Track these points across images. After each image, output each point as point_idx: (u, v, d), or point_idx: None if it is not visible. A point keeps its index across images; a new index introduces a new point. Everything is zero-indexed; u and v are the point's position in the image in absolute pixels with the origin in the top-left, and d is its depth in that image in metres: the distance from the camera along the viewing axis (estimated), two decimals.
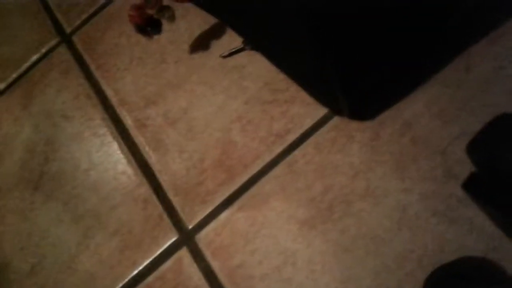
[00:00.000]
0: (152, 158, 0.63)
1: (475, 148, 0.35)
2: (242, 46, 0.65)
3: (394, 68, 0.52)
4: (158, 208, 0.60)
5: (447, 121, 0.51)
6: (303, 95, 0.59)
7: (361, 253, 0.49)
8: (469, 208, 0.47)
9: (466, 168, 0.48)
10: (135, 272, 0.57)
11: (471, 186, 0.34)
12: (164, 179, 0.61)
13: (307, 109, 0.58)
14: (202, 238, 0.56)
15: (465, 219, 0.46)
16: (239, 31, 0.63)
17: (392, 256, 0.48)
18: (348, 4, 0.42)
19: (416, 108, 0.53)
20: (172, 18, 0.67)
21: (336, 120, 0.56)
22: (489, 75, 0.51)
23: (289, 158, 0.56)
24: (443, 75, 0.53)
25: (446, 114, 0.51)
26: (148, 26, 0.69)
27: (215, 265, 0.54)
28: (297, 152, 0.56)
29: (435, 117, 0.52)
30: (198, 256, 0.55)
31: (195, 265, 0.54)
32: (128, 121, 0.67)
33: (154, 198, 0.60)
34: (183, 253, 0.56)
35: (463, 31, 0.54)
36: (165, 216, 0.59)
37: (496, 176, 0.29)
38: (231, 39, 0.67)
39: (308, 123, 0.57)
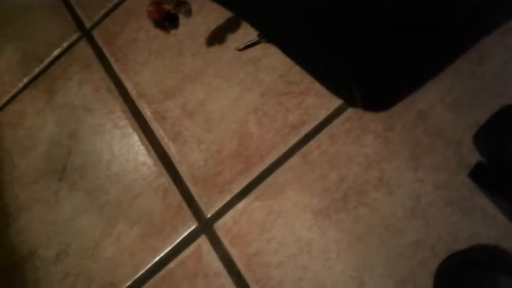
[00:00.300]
0: (171, 149, 0.65)
1: (481, 138, 0.35)
2: (257, 39, 0.66)
3: (407, 61, 0.53)
4: (178, 197, 0.62)
5: (461, 112, 0.52)
6: (318, 87, 0.60)
7: (375, 241, 0.50)
8: (482, 197, 0.47)
9: (480, 158, 0.49)
10: (156, 259, 0.59)
11: (478, 175, 0.34)
12: (183, 170, 0.63)
13: (321, 101, 0.59)
14: (220, 226, 0.58)
15: (478, 208, 0.47)
16: (254, 25, 0.65)
17: (406, 245, 0.49)
18: (359, 3, 0.43)
19: (430, 99, 0.54)
20: (188, 13, 0.69)
21: (350, 111, 0.57)
22: (502, 66, 0.52)
23: (304, 149, 0.57)
24: (456, 67, 0.54)
25: (460, 105, 0.52)
26: (166, 21, 0.71)
27: (233, 252, 0.55)
28: (312, 143, 0.57)
29: (449, 108, 0.52)
30: (216, 244, 0.57)
31: (213, 253, 0.56)
32: (147, 113, 0.69)
33: (173, 187, 0.62)
34: (202, 241, 0.58)
35: (474, 23, 0.54)
36: (184, 205, 0.61)
37: (503, 166, 0.30)
38: (246, 33, 0.68)
39: (322, 114, 0.58)
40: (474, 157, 0.49)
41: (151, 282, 0.58)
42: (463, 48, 0.53)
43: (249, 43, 0.66)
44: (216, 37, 0.70)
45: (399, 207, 0.50)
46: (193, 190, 0.61)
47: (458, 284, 0.43)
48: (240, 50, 0.67)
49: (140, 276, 0.59)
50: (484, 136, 0.33)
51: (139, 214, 0.63)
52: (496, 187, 0.31)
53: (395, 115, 0.54)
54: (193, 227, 0.59)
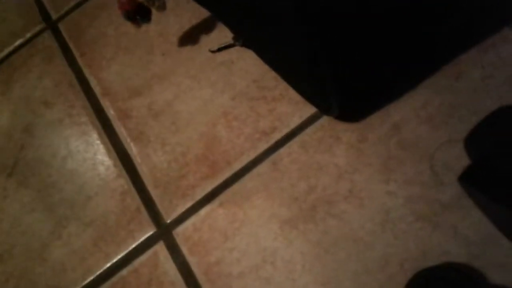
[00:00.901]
0: (133, 149, 0.61)
1: (474, 140, 0.34)
2: (232, 42, 0.64)
3: (385, 69, 0.52)
4: (136, 200, 0.58)
5: (435, 126, 0.51)
6: (292, 94, 0.58)
7: (343, 255, 0.48)
8: (454, 214, 0.46)
9: (452, 174, 0.48)
10: (108, 264, 0.54)
11: (469, 179, 0.33)
12: (144, 171, 0.59)
13: (295, 108, 0.57)
14: (180, 233, 0.54)
15: (449, 225, 0.46)
16: (230, 26, 0.63)
17: (374, 259, 0.47)
18: (342, 6, 0.42)
19: (405, 112, 0.52)
20: (162, 8, 0.66)
21: (323, 120, 0.55)
22: (479, 83, 0.51)
23: (274, 156, 0.55)
24: (433, 81, 0.53)
25: (435, 120, 0.51)
26: (137, 14, 0.68)
27: (191, 261, 0.52)
28: (282, 151, 0.55)
29: (424, 122, 0.51)
30: (175, 251, 0.53)
31: (171, 260, 0.53)
32: (110, 111, 0.65)
33: (132, 190, 0.58)
34: (160, 248, 0.54)
35: (453, 38, 0.54)
36: (143, 209, 0.57)
37: (497, 168, 0.28)
38: (221, 35, 0.66)
39: (295, 121, 0.56)
40: (447, 172, 0.48)
41: None
42: (440, 62, 0.53)
43: (223, 45, 0.64)
44: (189, 37, 0.67)
45: (368, 220, 0.48)
46: (154, 193, 0.58)
47: None
48: (214, 52, 0.65)
49: (89, 283, 0.54)
50: (479, 138, 0.31)
51: (93, 216, 0.58)
52: (490, 189, 0.29)
53: (369, 127, 0.53)
54: (150, 233, 0.55)
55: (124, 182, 0.59)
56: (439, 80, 0.53)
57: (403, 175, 0.50)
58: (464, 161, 0.48)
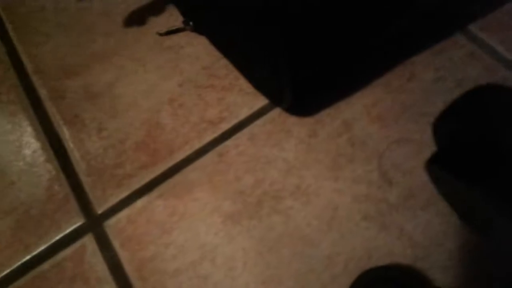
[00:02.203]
0: (65, 133, 0.56)
1: (443, 123, 0.33)
2: (182, 26, 0.60)
3: (338, 62, 0.51)
4: (65, 188, 0.52)
5: (386, 125, 0.50)
6: (243, 84, 0.55)
7: (287, 252, 0.45)
8: (401, 215, 0.45)
9: (401, 174, 0.47)
10: (27, 257, 0.49)
11: (438, 162, 0.31)
12: (75, 157, 0.54)
13: (245, 99, 0.54)
14: (112, 225, 0.49)
15: (395, 226, 0.45)
16: (182, 9, 0.59)
17: (319, 258, 0.45)
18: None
19: (356, 109, 0.51)
20: None
21: (274, 113, 0.53)
22: (430, 85, 0.51)
23: (220, 148, 0.52)
24: (385, 80, 0.52)
25: (385, 119, 0.50)
26: None
27: (123, 256, 0.47)
28: (229, 142, 0.52)
29: (374, 121, 0.50)
30: (104, 244, 0.48)
31: (99, 255, 0.48)
32: (43, 90, 0.59)
33: (61, 176, 0.53)
34: (88, 240, 0.49)
35: (406, 40, 0.54)
36: (71, 197, 0.52)
37: (469, 150, 0.27)
38: (171, 18, 0.62)
39: (244, 113, 0.54)
40: (396, 172, 0.47)
41: (18, 283, 0.47)
42: (393, 62, 0.52)
43: (172, 28, 0.61)
44: (136, 18, 0.63)
45: (315, 218, 0.46)
46: (85, 181, 0.53)
47: None
48: (162, 35, 0.61)
49: (3, 277, 0.48)
50: (448, 121, 0.30)
51: (14, 203, 0.52)
52: (462, 171, 0.28)
53: (320, 122, 0.51)
54: (78, 224, 0.50)
55: (52, 168, 0.54)
56: (391, 80, 0.52)
57: (352, 173, 0.48)
58: (413, 162, 0.47)
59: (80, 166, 0.53)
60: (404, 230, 0.45)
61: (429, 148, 0.48)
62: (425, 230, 0.44)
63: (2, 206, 0.52)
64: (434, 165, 0.30)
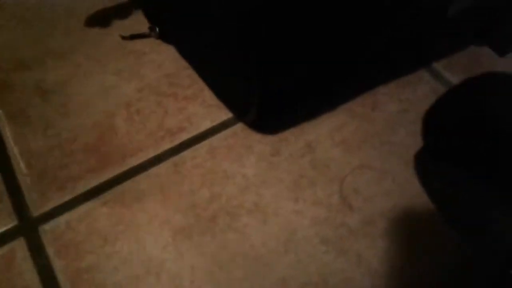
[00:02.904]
0: (6, 127, 0.51)
1: (434, 116, 0.32)
2: (148, 32, 0.58)
3: (306, 84, 0.50)
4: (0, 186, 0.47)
5: (348, 151, 0.49)
6: (206, 96, 0.53)
7: (239, 273, 0.42)
8: (360, 241, 0.44)
9: (361, 199, 0.46)
10: None
11: (431, 153, 0.30)
12: (15, 154, 0.49)
13: (207, 111, 0.52)
14: (49, 230, 0.45)
15: (353, 252, 0.43)
16: (149, 15, 0.57)
17: (273, 281, 0.42)
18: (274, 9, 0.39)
19: (320, 132, 0.51)
20: None
21: (237, 127, 0.51)
22: (393, 116, 0.51)
23: (177, 158, 0.49)
24: (350, 107, 0.52)
25: (348, 144, 0.50)
26: None
27: (57, 264, 0.43)
28: (187, 153, 0.50)
29: (337, 145, 0.50)
30: (37, 251, 0.43)
31: (30, 261, 0.43)
32: None
33: None
34: (18, 245, 0.44)
35: (373, 70, 0.54)
36: (5, 197, 0.47)
37: (459, 141, 0.26)
38: (136, 24, 0.60)
39: (205, 125, 0.51)
40: (356, 197, 0.46)
41: None
42: (359, 90, 0.52)
43: (137, 34, 0.58)
44: (100, 18, 0.60)
45: (272, 238, 0.44)
46: (22, 180, 0.48)
47: None
48: (125, 38, 0.58)
49: None
50: (438, 114, 0.29)
51: None
52: (459, 159, 0.26)
53: (283, 141, 0.50)
54: (9, 226, 0.45)
55: None
56: (356, 107, 0.52)
57: (312, 195, 0.47)
58: (374, 189, 0.47)
59: (18, 164, 0.49)
60: (362, 257, 0.43)
61: (390, 175, 0.47)
62: (384, 258, 0.43)
63: None
64: (425, 156, 0.29)
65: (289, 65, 0.45)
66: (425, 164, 0.30)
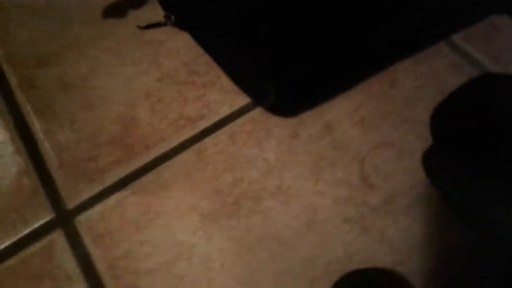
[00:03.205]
0: (35, 123, 0.53)
1: (446, 110, 0.32)
2: (163, 20, 0.59)
3: (323, 65, 0.50)
4: (34, 181, 0.50)
5: (368, 130, 0.50)
6: (224, 82, 0.54)
7: (265, 254, 0.44)
8: (381, 219, 0.45)
9: (382, 178, 0.47)
10: None
11: (438, 153, 0.31)
12: (46, 149, 0.51)
13: (226, 97, 0.53)
14: (84, 221, 0.47)
15: (376, 229, 0.45)
16: (165, 2, 0.58)
17: (298, 260, 0.44)
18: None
19: (339, 113, 0.51)
20: None
21: (255, 112, 0.52)
22: (411, 92, 0.52)
23: (199, 145, 0.51)
24: (368, 86, 0.53)
25: (367, 123, 0.50)
26: None
27: (94, 253, 0.45)
28: (208, 140, 0.51)
29: (356, 125, 0.50)
30: (75, 241, 0.46)
31: (69, 252, 0.45)
32: (13, 78, 0.57)
33: (30, 169, 0.50)
34: (57, 236, 0.46)
35: (390, 48, 0.54)
36: (41, 191, 0.49)
37: (467, 142, 0.27)
38: (152, 13, 0.61)
39: (225, 111, 0.52)
40: (377, 175, 0.47)
41: None
42: (377, 69, 0.52)
43: (153, 22, 0.59)
44: (115, 9, 0.61)
45: (295, 220, 0.46)
46: (56, 174, 0.50)
47: None
48: (142, 28, 0.59)
49: None
50: (445, 114, 0.29)
51: None
52: (465, 161, 0.27)
53: (302, 124, 0.51)
54: (47, 218, 0.48)
55: (21, 160, 0.51)
56: (374, 86, 0.52)
57: (333, 175, 0.48)
58: (394, 166, 0.47)
59: (50, 159, 0.51)
60: (384, 234, 0.44)
61: (410, 153, 0.48)
62: (405, 235, 0.44)
63: None
64: (432, 156, 0.29)
65: (305, 52, 0.45)
66: (434, 164, 0.30)
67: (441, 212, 0.44)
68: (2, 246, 0.46)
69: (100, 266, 0.44)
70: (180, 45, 0.58)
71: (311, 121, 0.51)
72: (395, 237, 0.44)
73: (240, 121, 0.52)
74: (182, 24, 0.57)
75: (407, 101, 0.51)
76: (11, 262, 0.45)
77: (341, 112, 0.51)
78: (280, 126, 0.51)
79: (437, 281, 0.41)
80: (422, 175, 0.46)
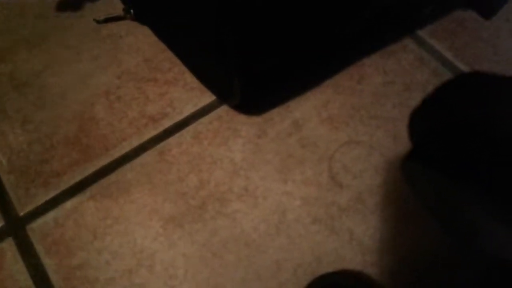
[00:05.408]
0: None
1: (426, 111, 0.31)
2: (122, 14, 0.56)
3: (290, 59, 0.49)
4: None
5: (336, 127, 0.49)
6: (188, 79, 0.52)
7: (232, 258, 0.42)
8: (350, 219, 0.44)
9: (350, 176, 0.46)
10: None
11: (418, 158, 0.29)
12: None
13: (190, 95, 0.51)
14: (37, 229, 0.44)
15: (345, 230, 0.43)
16: None
17: (266, 264, 0.42)
18: None
19: (306, 110, 0.50)
20: None
21: (221, 110, 0.50)
22: (379, 88, 0.51)
23: (162, 145, 0.48)
24: (336, 82, 0.51)
25: (335, 120, 0.49)
26: None
27: (48, 263, 0.42)
28: (172, 140, 0.49)
29: (324, 122, 0.49)
30: (27, 250, 0.43)
31: (21, 262, 0.42)
32: None
33: None
34: (8, 246, 0.43)
35: (357, 42, 0.53)
36: None
37: (447, 144, 0.25)
38: (109, 7, 0.58)
39: (188, 109, 0.50)
40: (345, 174, 0.46)
41: None
42: (344, 63, 0.51)
43: (111, 16, 0.56)
44: (71, 3, 0.57)
45: (263, 221, 0.44)
46: (6, 179, 0.47)
47: None
48: (99, 22, 0.56)
49: None
50: (425, 115, 0.28)
51: None
52: (444, 165, 0.26)
53: (269, 122, 0.49)
54: None
55: None
56: (342, 81, 0.51)
57: (302, 175, 0.46)
58: (363, 164, 0.46)
59: (0, 162, 0.47)
60: (354, 234, 0.43)
61: (379, 151, 0.47)
62: (375, 234, 0.43)
63: None
64: (411, 162, 0.28)
65: (268, 47, 0.43)
66: (413, 171, 0.29)
67: (411, 210, 0.43)
68: None
69: (55, 276, 0.41)
70: (140, 40, 0.55)
71: (279, 118, 0.49)
72: (365, 237, 0.43)
73: (205, 119, 0.50)
74: (141, 18, 0.55)
75: (375, 97, 0.50)
76: None
77: (309, 109, 0.50)
78: (247, 124, 0.49)
79: (405, 281, 0.40)
80: (391, 173, 0.45)
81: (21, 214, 0.45)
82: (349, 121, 0.49)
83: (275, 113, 0.50)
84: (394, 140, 0.47)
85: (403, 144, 0.46)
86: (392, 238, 0.43)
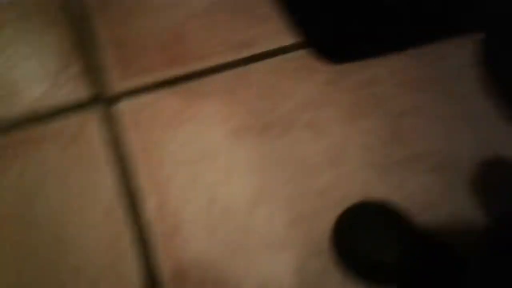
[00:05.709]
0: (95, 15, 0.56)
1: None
2: None
3: (379, 20, 0.52)
4: (82, 59, 0.52)
5: (407, 91, 0.51)
6: (279, 17, 0.56)
7: (284, 176, 0.46)
8: (403, 172, 0.46)
9: (414, 138, 0.48)
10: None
11: None
12: (103, 40, 0.54)
13: (278, 31, 0.55)
14: (124, 107, 0.50)
15: (396, 180, 0.46)
16: None
17: (314, 189, 0.45)
18: None
19: (384, 70, 0.53)
20: None
21: (304, 52, 0.54)
22: (460, 68, 0.52)
23: (246, 68, 0.53)
24: (419, 53, 0.54)
25: (408, 86, 0.52)
26: None
27: (129, 137, 0.47)
28: (256, 65, 0.53)
29: (398, 85, 0.52)
30: (110, 122, 0.48)
31: (102, 131, 0.48)
32: None
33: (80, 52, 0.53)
34: (93, 114, 0.49)
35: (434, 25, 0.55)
36: (90, 70, 0.52)
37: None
38: None
39: (275, 43, 0.54)
40: (408, 134, 0.48)
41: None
42: (431, 38, 0.53)
43: None
44: None
45: (320, 153, 0.47)
46: (106, 59, 0.52)
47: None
48: None
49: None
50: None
51: None
52: None
53: (346, 72, 0.52)
54: (87, 95, 0.50)
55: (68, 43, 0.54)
56: (425, 55, 0.53)
57: (365, 124, 0.49)
58: (424, 130, 0.48)
59: (105, 47, 0.53)
60: (403, 185, 0.45)
61: (442, 122, 0.49)
62: (424, 191, 0.45)
63: None
64: None
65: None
66: None
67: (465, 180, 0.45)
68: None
69: (134, 148, 0.47)
70: None
71: (355, 72, 0.52)
72: (414, 191, 0.45)
73: (288, 56, 0.54)
74: None
75: (452, 76, 0.52)
76: (53, 126, 0.47)
77: (387, 70, 0.52)
78: (325, 70, 0.52)
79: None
80: (447, 143, 0.47)
81: (113, 91, 0.50)
82: (421, 90, 0.51)
83: (353, 66, 0.53)
84: (462, 120, 0.49)
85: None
86: (441, 197, 0.45)
